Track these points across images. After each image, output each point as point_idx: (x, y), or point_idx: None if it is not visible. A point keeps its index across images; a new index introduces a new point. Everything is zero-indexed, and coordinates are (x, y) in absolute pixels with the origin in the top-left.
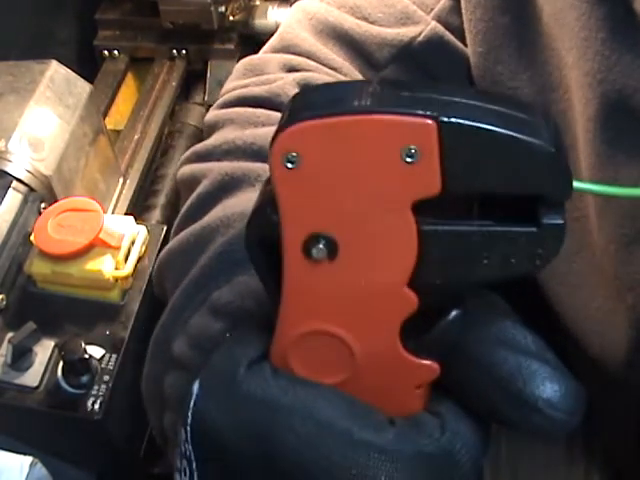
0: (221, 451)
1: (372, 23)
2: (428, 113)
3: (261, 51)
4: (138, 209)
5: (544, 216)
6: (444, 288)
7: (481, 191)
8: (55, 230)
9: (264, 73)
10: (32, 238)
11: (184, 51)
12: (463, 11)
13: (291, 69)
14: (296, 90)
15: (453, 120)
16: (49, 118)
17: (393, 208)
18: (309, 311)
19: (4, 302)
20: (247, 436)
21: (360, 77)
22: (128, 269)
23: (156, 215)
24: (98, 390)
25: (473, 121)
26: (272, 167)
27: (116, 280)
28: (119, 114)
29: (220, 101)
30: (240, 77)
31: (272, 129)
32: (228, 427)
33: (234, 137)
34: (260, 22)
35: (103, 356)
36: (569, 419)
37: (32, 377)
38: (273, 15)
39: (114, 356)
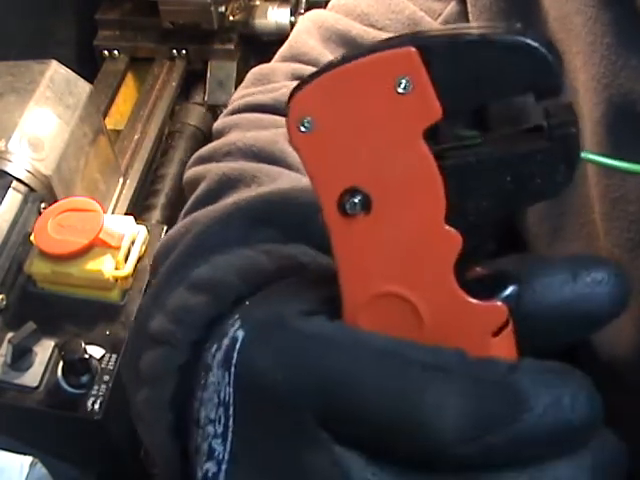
0: (267, 392)
1: (380, 30)
2: (408, 42)
3: (272, 60)
4: (138, 209)
5: (554, 129)
6: (482, 221)
7: (482, 103)
8: (55, 230)
9: (272, 81)
10: (32, 238)
11: (184, 51)
12: (470, 16)
13: (298, 78)
14: None
15: (431, 42)
16: (49, 118)
17: (406, 144)
18: (365, 273)
19: (4, 302)
20: (303, 372)
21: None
22: (128, 269)
23: (156, 215)
24: (98, 390)
25: (450, 38)
26: (291, 136)
27: (116, 280)
28: (119, 114)
29: (228, 109)
30: (249, 85)
31: (274, 131)
32: (281, 366)
33: (236, 139)
34: (260, 22)
35: (103, 356)
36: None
37: (32, 377)
38: (273, 15)
39: (114, 356)
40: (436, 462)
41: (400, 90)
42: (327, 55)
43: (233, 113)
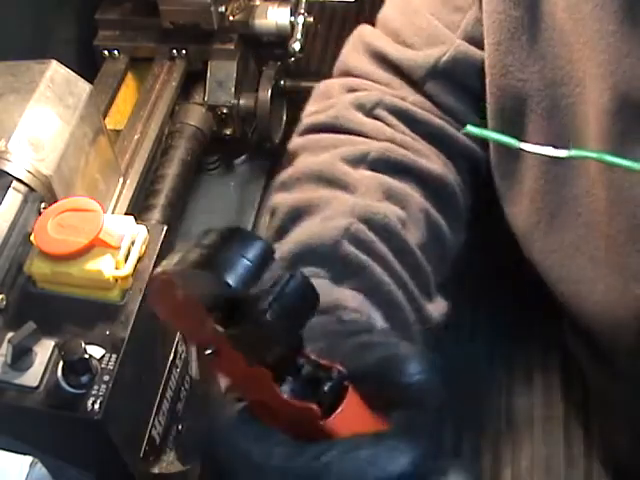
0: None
1: (408, 47)
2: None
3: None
4: (138, 209)
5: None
6: (276, 358)
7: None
8: (55, 230)
9: (329, 97)
10: (32, 238)
11: (184, 51)
12: (484, 6)
13: (350, 90)
14: (350, 111)
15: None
16: (49, 118)
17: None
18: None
19: (4, 302)
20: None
21: (407, 91)
22: (128, 269)
23: (156, 215)
24: (98, 390)
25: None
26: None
27: (116, 280)
28: (119, 114)
29: (299, 128)
30: (313, 102)
31: (332, 153)
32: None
33: (302, 167)
34: (260, 22)
35: (103, 356)
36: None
37: (32, 377)
38: (273, 15)
39: (114, 356)
40: None
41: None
42: (371, 68)
43: (301, 134)
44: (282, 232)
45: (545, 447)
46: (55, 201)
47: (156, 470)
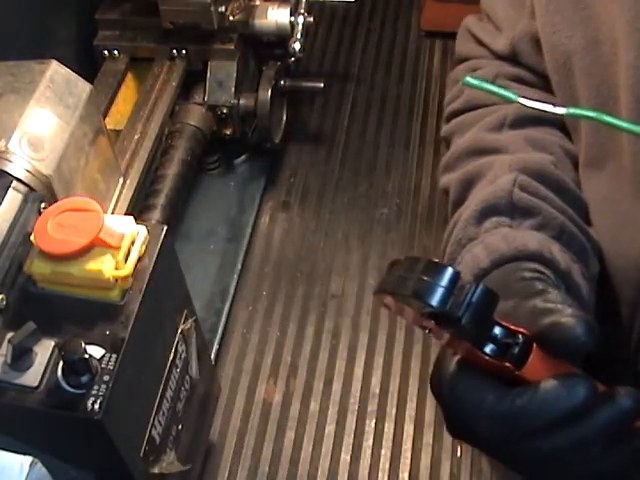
0: None
1: (499, 30)
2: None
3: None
4: (138, 209)
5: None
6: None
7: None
8: (55, 230)
9: (457, 81)
10: (32, 238)
11: (184, 51)
12: None
13: (471, 69)
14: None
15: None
16: (49, 118)
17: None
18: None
19: (4, 302)
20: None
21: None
22: (128, 269)
23: (156, 215)
24: (98, 390)
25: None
26: None
27: (116, 280)
28: (119, 114)
29: (443, 116)
30: (448, 91)
31: (476, 129)
32: None
33: (458, 148)
34: (260, 22)
35: (103, 356)
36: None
37: (32, 377)
38: (273, 15)
39: (114, 356)
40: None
41: None
42: (481, 51)
43: (446, 121)
44: (459, 203)
45: None
46: (55, 201)
47: (156, 470)
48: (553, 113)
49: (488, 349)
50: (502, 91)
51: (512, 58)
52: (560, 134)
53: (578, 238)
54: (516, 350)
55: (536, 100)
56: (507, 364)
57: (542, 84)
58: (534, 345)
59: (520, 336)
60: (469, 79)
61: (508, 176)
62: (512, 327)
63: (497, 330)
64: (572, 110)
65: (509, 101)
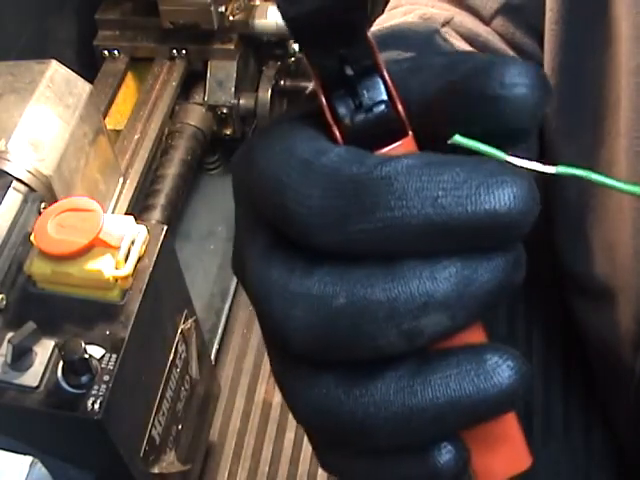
0: None
1: None
2: None
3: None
4: (138, 209)
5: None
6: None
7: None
8: (55, 230)
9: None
10: (32, 238)
11: (184, 51)
12: None
13: (423, 20)
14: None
15: None
16: (49, 118)
17: None
18: None
19: (4, 302)
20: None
21: (473, 25)
22: (128, 269)
23: (156, 215)
24: (98, 390)
25: None
26: None
27: (116, 280)
28: (119, 114)
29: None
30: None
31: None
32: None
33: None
34: (260, 22)
35: (103, 356)
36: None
37: (32, 377)
38: (273, 15)
39: (114, 356)
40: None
41: None
42: (434, 2)
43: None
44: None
45: (545, 446)
46: (55, 201)
47: (156, 470)
48: (542, 172)
49: (341, 106)
50: (490, 150)
51: (500, 13)
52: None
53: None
54: (383, 121)
55: (525, 158)
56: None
57: (534, 47)
58: (410, 135)
59: (397, 107)
60: (458, 138)
61: (439, 20)
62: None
63: (372, 82)
64: (562, 169)
65: (497, 159)
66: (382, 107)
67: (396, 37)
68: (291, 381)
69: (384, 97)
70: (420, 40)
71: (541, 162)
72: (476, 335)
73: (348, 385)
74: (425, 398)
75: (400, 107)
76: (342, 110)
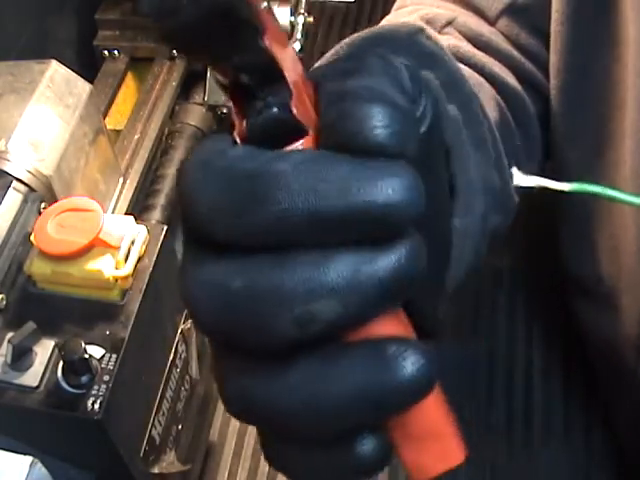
0: None
1: None
2: None
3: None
4: (138, 209)
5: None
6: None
7: None
8: (55, 230)
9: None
10: (32, 238)
11: None
12: None
13: (425, 19)
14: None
15: None
16: (49, 118)
17: None
18: None
19: (4, 302)
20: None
21: (476, 26)
22: (128, 269)
23: (156, 215)
24: (98, 390)
25: None
26: None
27: (116, 280)
28: (119, 114)
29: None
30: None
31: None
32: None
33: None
34: None
35: (103, 356)
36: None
37: (32, 377)
38: None
39: (114, 356)
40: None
41: None
42: (438, 1)
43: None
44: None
45: (545, 446)
46: (55, 201)
47: (156, 470)
48: (557, 190)
49: (244, 108)
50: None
51: (505, 14)
52: (499, 97)
53: (511, 87)
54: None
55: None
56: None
57: (517, 55)
58: (310, 134)
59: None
60: (579, 187)
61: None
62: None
63: (271, 86)
64: (577, 186)
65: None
66: (277, 110)
67: (384, 38)
68: (218, 371)
69: (282, 99)
70: (404, 41)
71: (555, 179)
72: (395, 328)
73: (262, 373)
74: (329, 388)
75: (295, 110)
76: (245, 112)
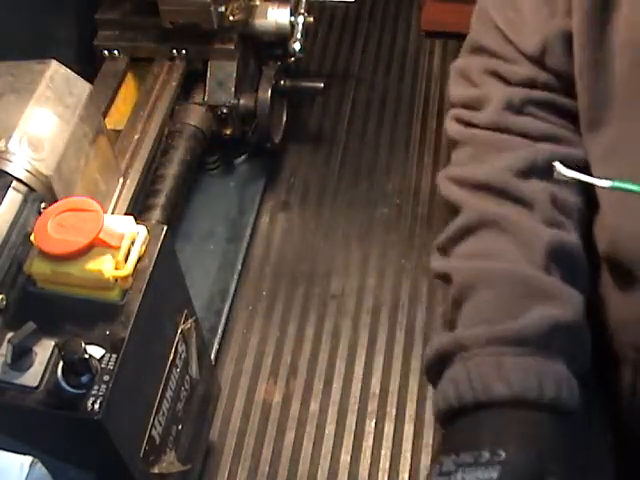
0: None
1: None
2: None
3: (462, 50)
4: (138, 209)
5: None
6: None
7: None
8: (55, 230)
9: (468, 77)
10: (32, 238)
11: (184, 51)
12: None
13: (492, 72)
14: (501, 112)
15: None
16: (49, 118)
17: None
18: None
19: (4, 302)
20: None
21: (535, 71)
22: (128, 269)
23: (156, 215)
24: (98, 390)
25: None
26: None
27: (116, 280)
28: (119, 114)
29: (451, 113)
30: (455, 84)
31: (499, 166)
32: None
33: (478, 173)
34: (260, 22)
35: (103, 356)
36: None
37: (32, 377)
38: (273, 15)
39: (114, 356)
40: None
41: None
42: (503, 47)
43: (457, 121)
44: (466, 235)
45: None
46: (55, 201)
47: (156, 470)
48: (599, 186)
49: None
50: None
51: (539, 59)
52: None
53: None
54: None
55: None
56: None
57: (565, 91)
58: None
59: None
60: (619, 184)
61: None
62: None
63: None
64: (617, 184)
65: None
66: None
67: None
68: None
69: None
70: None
71: (597, 177)
72: None
73: None
74: None
75: None
76: None
